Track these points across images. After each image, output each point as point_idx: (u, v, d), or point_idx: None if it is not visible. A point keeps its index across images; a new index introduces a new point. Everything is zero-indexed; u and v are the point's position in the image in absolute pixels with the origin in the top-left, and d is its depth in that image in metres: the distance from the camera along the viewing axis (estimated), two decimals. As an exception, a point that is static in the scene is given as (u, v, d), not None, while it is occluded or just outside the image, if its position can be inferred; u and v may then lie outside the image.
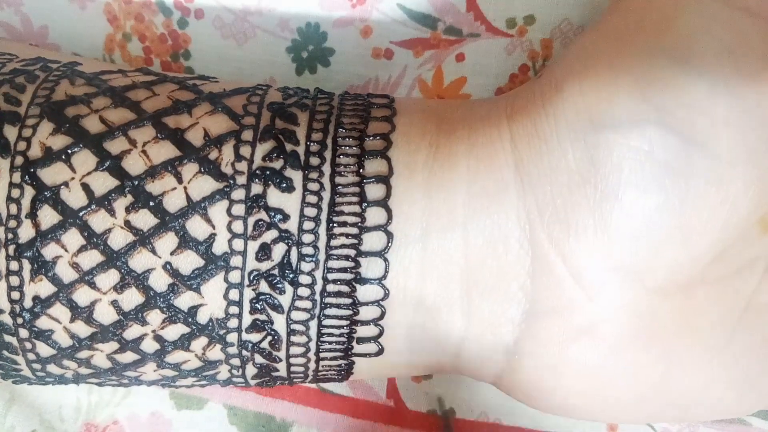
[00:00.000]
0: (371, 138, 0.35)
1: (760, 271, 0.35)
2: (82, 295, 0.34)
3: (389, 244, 0.34)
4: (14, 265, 0.34)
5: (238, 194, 0.34)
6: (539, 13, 0.43)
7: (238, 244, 0.34)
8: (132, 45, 0.46)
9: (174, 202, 0.34)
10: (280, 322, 0.35)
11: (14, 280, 0.34)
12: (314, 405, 0.47)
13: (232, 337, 0.35)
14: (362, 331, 0.35)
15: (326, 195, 0.34)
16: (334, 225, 0.34)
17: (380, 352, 0.36)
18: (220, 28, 0.45)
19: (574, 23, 0.43)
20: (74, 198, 0.34)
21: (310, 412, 0.46)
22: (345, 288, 0.34)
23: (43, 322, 0.35)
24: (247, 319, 0.35)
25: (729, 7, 0.32)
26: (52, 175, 0.34)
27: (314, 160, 0.34)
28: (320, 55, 0.45)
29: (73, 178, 0.34)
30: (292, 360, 0.36)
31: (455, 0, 0.43)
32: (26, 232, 0.34)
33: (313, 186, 0.34)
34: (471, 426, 0.46)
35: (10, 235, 0.34)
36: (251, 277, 0.34)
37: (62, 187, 0.34)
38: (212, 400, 0.46)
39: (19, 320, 0.35)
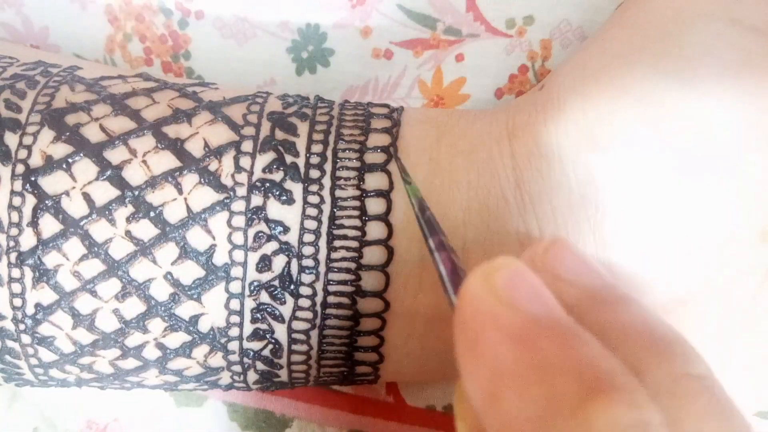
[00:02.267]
0: (371, 150, 0.35)
1: (758, 279, 0.35)
2: (84, 303, 0.34)
3: (390, 259, 0.34)
4: (16, 273, 0.34)
5: (238, 206, 0.34)
6: (538, 13, 0.43)
7: (238, 255, 0.34)
8: (132, 45, 0.45)
9: (174, 213, 0.34)
10: (281, 332, 0.35)
11: (16, 288, 0.34)
12: (314, 401, 0.47)
13: (234, 345, 0.35)
14: (363, 340, 0.36)
15: (326, 208, 0.34)
16: (335, 238, 0.34)
17: (381, 360, 0.37)
18: (221, 29, 0.44)
19: (573, 24, 0.43)
20: (75, 207, 0.34)
21: (310, 408, 0.47)
22: (346, 300, 0.35)
23: (45, 329, 0.35)
24: (248, 328, 0.35)
25: (734, 25, 0.32)
26: (52, 183, 0.34)
27: (314, 173, 0.34)
28: (320, 56, 0.45)
29: (74, 188, 0.34)
30: (294, 367, 0.37)
31: (455, 0, 0.43)
32: (28, 240, 0.34)
33: (314, 199, 0.34)
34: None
35: (11, 243, 0.34)
36: (252, 288, 0.34)
37: (63, 196, 0.34)
38: (212, 397, 0.47)
39: (21, 326, 0.35)
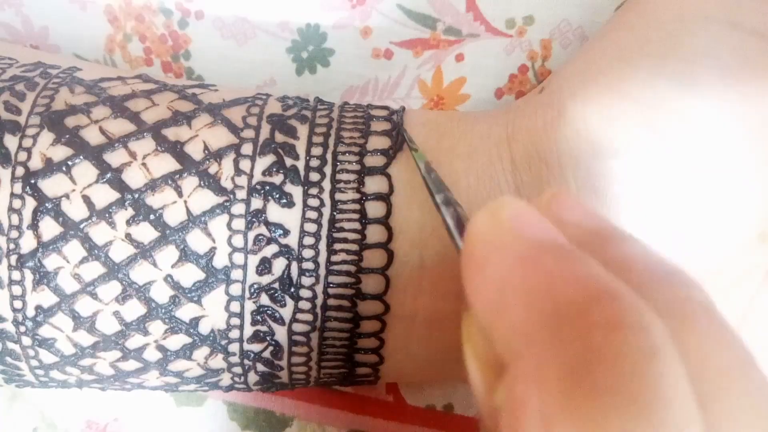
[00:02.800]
0: (371, 153, 0.35)
1: (758, 279, 0.35)
2: (84, 306, 0.34)
3: (390, 262, 0.34)
4: (16, 275, 0.34)
5: (238, 209, 0.34)
6: (538, 13, 0.43)
7: (238, 258, 0.34)
8: (132, 45, 0.45)
9: (174, 216, 0.34)
10: (281, 334, 0.35)
11: (16, 290, 0.34)
12: (314, 401, 0.47)
13: (234, 347, 0.35)
14: (363, 342, 0.36)
15: (326, 211, 0.34)
16: (335, 241, 0.34)
17: (381, 361, 0.37)
18: (221, 29, 0.44)
19: (573, 24, 0.43)
20: (75, 210, 0.34)
21: (309, 408, 0.47)
22: (346, 303, 0.35)
23: (45, 331, 0.35)
24: (249, 330, 0.35)
25: (735, 28, 0.32)
26: (52, 186, 0.34)
27: (314, 176, 0.34)
28: (320, 56, 0.45)
29: (73, 190, 0.34)
30: (294, 368, 0.37)
31: (455, 0, 0.43)
32: (28, 242, 0.34)
33: (313, 202, 0.34)
34: (469, 421, 0.47)
35: (11, 246, 0.34)
36: (252, 290, 0.34)
37: (63, 198, 0.34)
38: (212, 397, 0.47)
39: (22, 328, 0.35)
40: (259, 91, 0.38)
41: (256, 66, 0.45)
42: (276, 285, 0.34)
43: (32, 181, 0.34)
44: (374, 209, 0.34)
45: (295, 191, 0.34)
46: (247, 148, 0.35)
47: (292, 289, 0.34)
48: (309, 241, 0.34)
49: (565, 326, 0.22)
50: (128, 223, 0.34)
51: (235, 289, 0.34)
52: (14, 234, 0.34)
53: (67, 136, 0.34)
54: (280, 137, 0.35)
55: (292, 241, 0.34)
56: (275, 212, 0.34)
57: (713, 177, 0.32)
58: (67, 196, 0.34)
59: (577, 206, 0.28)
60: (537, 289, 0.23)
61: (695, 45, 0.32)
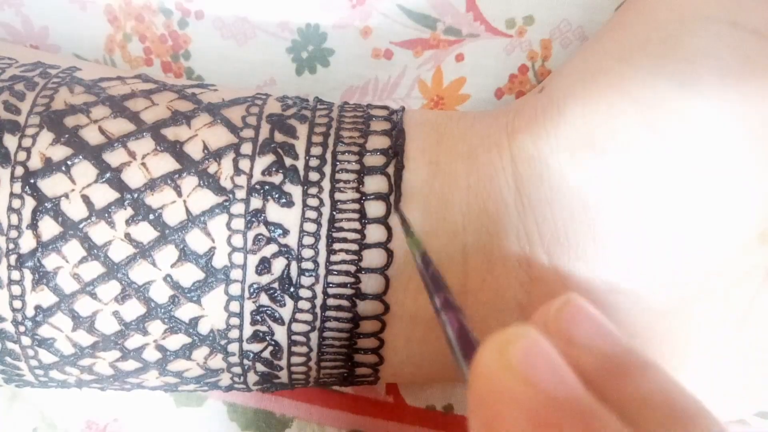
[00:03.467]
0: (371, 153, 0.35)
1: (757, 281, 0.35)
2: (84, 306, 0.34)
3: (390, 262, 0.34)
4: (16, 275, 0.34)
5: (238, 208, 0.34)
6: (538, 13, 0.43)
7: (237, 257, 0.34)
8: (132, 45, 0.45)
9: (174, 216, 0.34)
10: (280, 334, 0.35)
11: (16, 290, 0.34)
12: (314, 401, 0.47)
13: (234, 347, 0.35)
14: (363, 342, 0.36)
15: (326, 211, 0.34)
16: (334, 241, 0.34)
17: (380, 362, 0.37)
18: (221, 29, 0.44)
19: (573, 24, 0.43)
20: (74, 210, 0.34)
21: (309, 408, 0.47)
22: (345, 303, 0.35)
23: (45, 331, 0.35)
24: (248, 330, 0.35)
25: (736, 28, 0.32)
26: (52, 186, 0.34)
27: (313, 176, 0.34)
28: (320, 56, 0.45)
29: (73, 190, 0.34)
30: (293, 368, 0.37)
31: (455, 0, 0.43)
32: (27, 242, 0.34)
33: (313, 201, 0.34)
34: (469, 422, 0.46)
35: (11, 245, 0.34)
36: (251, 290, 0.34)
37: (62, 198, 0.34)
38: (212, 397, 0.47)
39: (21, 328, 0.35)
40: (259, 91, 0.38)
41: (256, 66, 0.45)
42: (275, 285, 0.34)
43: (31, 181, 0.34)
44: (374, 209, 0.34)
45: (295, 191, 0.34)
46: (246, 148, 0.35)
47: (292, 289, 0.34)
48: (308, 240, 0.34)
49: None
50: (127, 222, 0.34)
51: (235, 289, 0.34)
52: (14, 234, 0.34)
53: (67, 135, 0.34)
54: (279, 137, 0.35)
55: (291, 240, 0.34)
56: (275, 212, 0.34)
57: (713, 177, 0.32)
58: (66, 195, 0.34)
59: (590, 322, 0.27)
60: None
61: (695, 45, 0.32)
